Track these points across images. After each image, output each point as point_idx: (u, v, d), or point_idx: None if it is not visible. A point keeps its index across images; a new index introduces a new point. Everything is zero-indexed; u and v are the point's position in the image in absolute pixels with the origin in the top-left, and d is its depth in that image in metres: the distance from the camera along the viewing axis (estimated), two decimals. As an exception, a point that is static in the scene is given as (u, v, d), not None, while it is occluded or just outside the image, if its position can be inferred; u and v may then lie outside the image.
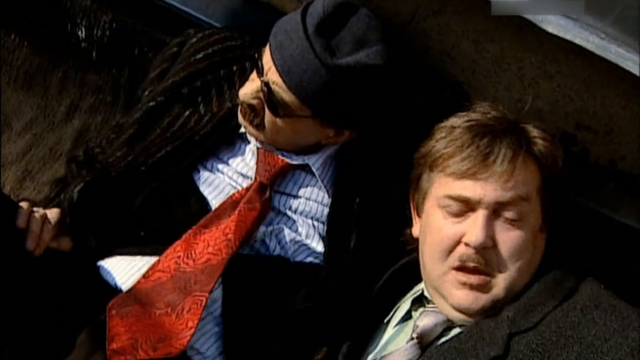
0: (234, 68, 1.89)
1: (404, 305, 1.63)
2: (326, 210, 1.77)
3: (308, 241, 1.74)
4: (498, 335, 1.43)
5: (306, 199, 1.78)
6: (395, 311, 1.65)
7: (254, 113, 1.73)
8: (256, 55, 1.73)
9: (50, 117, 2.36)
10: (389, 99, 1.75)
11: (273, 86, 1.67)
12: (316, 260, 1.74)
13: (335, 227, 1.75)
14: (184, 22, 2.09)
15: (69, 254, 1.72)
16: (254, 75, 1.74)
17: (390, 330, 1.63)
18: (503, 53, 1.79)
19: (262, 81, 1.69)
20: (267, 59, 1.69)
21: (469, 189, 1.48)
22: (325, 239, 1.73)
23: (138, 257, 1.71)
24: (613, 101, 1.75)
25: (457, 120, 1.53)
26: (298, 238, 1.73)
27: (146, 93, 1.92)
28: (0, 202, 1.63)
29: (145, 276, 1.66)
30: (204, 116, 1.84)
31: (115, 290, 1.67)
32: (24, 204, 1.65)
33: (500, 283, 1.48)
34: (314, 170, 1.78)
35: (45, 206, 1.77)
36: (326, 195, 1.78)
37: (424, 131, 1.60)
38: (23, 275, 1.61)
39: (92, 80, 2.33)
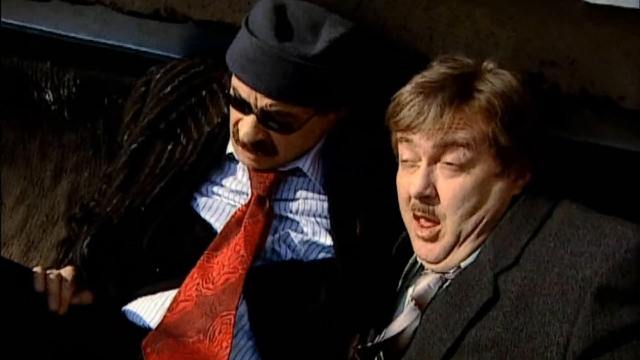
0: (203, 93, 1.93)
1: (412, 270, 1.70)
2: (326, 205, 1.81)
3: (316, 238, 1.78)
4: (484, 280, 1.50)
5: (304, 199, 1.82)
6: (406, 277, 1.71)
7: (263, 146, 1.74)
8: (232, 97, 1.74)
9: (39, 184, 2.39)
10: (365, 61, 1.78)
11: (271, 109, 1.69)
12: (328, 255, 1.77)
13: (338, 218, 1.79)
14: (145, 62, 2.12)
15: (92, 307, 1.76)
16: (238, 114, 1.74)
17: (405, 298, 1.68)
18: (454, 13, 1.83)
19: (258, 114, 1.70)
20: (247, 92, 1.70)
21: (411, 144, 1.58)
22: (332, 232, 1.77)
23: (158, 294, 1.75)
24: (568, 31, 1.80)
25: (410, 82, 1.60)
26: (306, 238, 1.77)
27: (126, 137, 1.96)
28: (15, 271, 1.66)
29: (170, 309, 1.69)
30: (187, 146, 1.88)
31: (144, 330, 1.70)
32: (37, 269, 1.69)
33: (448, 229, 1.56)
34: (305, 171, 1.82)
35: (57, 268, 1.81)
36: (322, 191, 1.82)
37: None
38: (52, 336, 1.64)
39: (71, 140, 2.37)
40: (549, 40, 1.84)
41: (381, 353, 1.62)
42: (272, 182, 1.79)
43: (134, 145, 1.89)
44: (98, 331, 1.71)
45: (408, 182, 1.59)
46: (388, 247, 1.77)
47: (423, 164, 1.57)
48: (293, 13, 1.72)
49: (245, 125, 1.72)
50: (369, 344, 1.62)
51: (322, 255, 1.77)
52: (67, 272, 1.73)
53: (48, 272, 1.70)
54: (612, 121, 1.95)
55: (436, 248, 1.58)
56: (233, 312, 1.65)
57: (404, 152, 1.61)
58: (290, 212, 1.80)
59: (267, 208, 1.76)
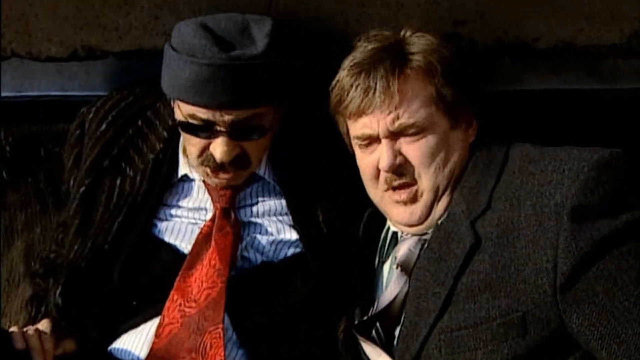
0: (139, 122, 1.95)
1: (385, 244, 1.74)
2: (284, 202, 1.84)
3: (282, 236, 1.81)
4: (462, 229, 1.58)
5: (262, 201, 1.86)
6: (381, 253, 1.75)
7: (240, 160, 1.76)
8: (189, 125, 1.74)
9: None
10: (299, 50, 1.84)
11: (241, 120, 1.71)
12: (297, 250, 1.81)
13: (298, 212, 1.83)
14: (73, 105, 2.11)
15: (77, 354, 1.75)
16: (202, 141, 1.74)
17: (385, 272, 1.73)
18: (362, -7, 1.89)
19: (227, 132, 1.71)
20: (207, 114, 1.70)
21: (366, 125, 1.62)
22: (296, 226, 1.81)
23: (141, 327, 1.75)
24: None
25: (342, 68, 1.65)
26: (272, 238, 1.80)
27: (72, 183, 1.96)
28: None
29: (157, 335, 1.71)
30: (135, 176, 1.89)
31: (136, 364, 1.71)
32: (14, 328, 1.68)
33: (426, 188, 1.63)
34: (261, 175, 1.85)
35: (33, 325, 1.79)
36: (277, 189, 1.86)
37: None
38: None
39: (14, 199, 2.33)
40: (457, 0, 1.91)
41: (378, 324, 1.65)
42: (232, 193, 1.81)
43: (83, 188, 1.89)
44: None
45: (372, 161, 1.64)
46: (354, 228, 1.80)
47: (384, 139, 1.61)
48: (217, 27, 1.74)
49: (218, 147, 1.72)
50: (365, 318, 1.65)
51: (290, 251, 1.81)
52: (44, 325, 1.72)
53: (25, 329, 1.69)
54: (530, 64, 2.04)
55: (417, 208, 1.63)
56: (221, 326, 1.68)
57: (359, 134, 1.64)
58: (252, 216, 1.83)
59: (233, 219, 1.79)
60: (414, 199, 1.64)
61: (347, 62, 1.64)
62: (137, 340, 1.74)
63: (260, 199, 1.85)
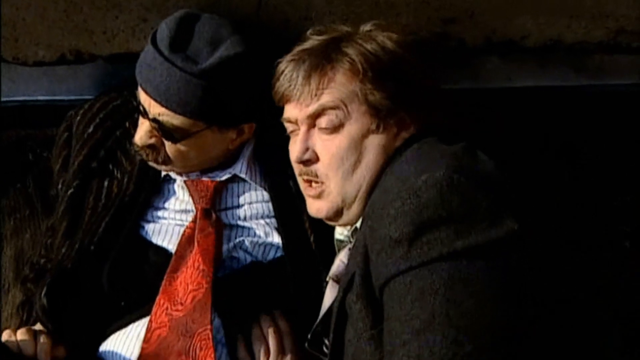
0: (127, 124, 1.95)
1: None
2: (271, 205, 1.84)
3: (270, 239, 1.81)
4: (359, 236, 1.52)
5: (249, 204, 1.85)
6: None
7: (155, 151, 1.79)
8: (134, 103, 1.78)
9: None
10: (266, 80, 1.81)
11: (160, 118, 1.73)
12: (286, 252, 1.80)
13: (284, 216, 1.82)
14: (61, 109, 2.11)
15: (67, 359, 1.75)
16: (141, 119, 1.79)
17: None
18: (349, -6, 1.89)
19: (149, 119, 1.74)
20: (143, 98, 1.75)
21: (287, 111, 1.64)
22: (280, 231, 1.80)
23: (129, 326, 1.74)
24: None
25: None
26: (260, 240, 1.80)
27: (60, 186, 1.95)
28: None
29: (146, 340, 1.70)
30: (123, 178, 1.89)
31: (125, 366, 1.70)
32: (6, 333, 1.67)
33: (333, 189, 1.59)
34: (242, 176, 1.85)
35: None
36: (264, 192, 1.85)
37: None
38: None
39: (3, 204, 2.32)
40: (446, -1, 1.92)
41: (323, 338, 1.64)
42: (212, 193, 1.81)
43: (71, 191, 1.89)
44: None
45: (291, 149, 1.65)
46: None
47: (302, 129, 1.61)
48: (200, 27, 1.74)
49: (141, 129, 1.78)
50: (309, 335, 1.64)
51: (279, 253, 1.81)
52: (38, 326, 1.72)
53: (19, 331, 1.69)
54: (518, 62, 2.05)
55: (324, 206, 1.61)
56: (209, 327, 1.67)
57: (284, 118, 1.65)
58: (239, 219, 1.83)
59: (214, 219, 1.78)
60: (320, 196, 1.62)
61: (294, 49, 1.65)
62: (127, 342, 1.73)
63: (245, 201, 1.85)
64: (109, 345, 1.76)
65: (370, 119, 1.57)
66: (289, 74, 1.60)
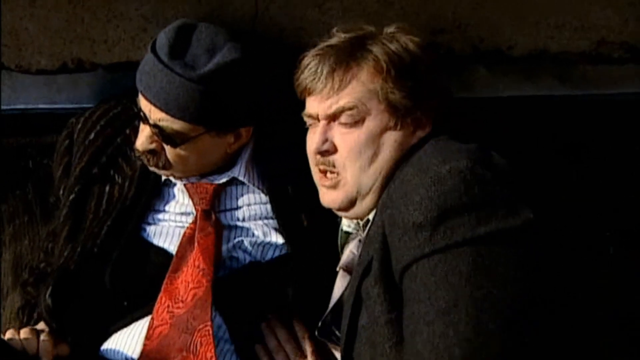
0: (127, 131, 2.00)
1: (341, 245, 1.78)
2: (269, 207, 1.90)
3: (268, 239, 1.87)
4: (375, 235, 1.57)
5: (247, 205, 1.91)
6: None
7: (156, 156, 1.85)
8: (135, 109, 1.84)
9: None
10: (261, 86, 1.88)
11: (161, 123, 1.79)
12: (284, 252, 1.86)
13: (284, 217, 1.88)
14: (60, 117, 2.15)
15: (70, 356, 1.79)
16: (142, 126, 1.86)
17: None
18: (344, 4, 1.97)
19: (150, 125, 1.80)
20: (144, 104, 1.81)
21: (309, 105, 1.68)
22: (281, 231, 1.86)
23: (132, 325, 1.80)
24: (447, -1, 1.97)
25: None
26: (259, 240, 1.86)
27: (61, 192, 2.00)
28: None
29: (148, 337, 1.75)
30: (124, 183, 1.94)
31: (127, 364, 1.75)
32: (9, 332, 1.71)
33: (349, 180, 1.64)
34: (241, 179, 1.91)
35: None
36: (262, 195, 1.91)
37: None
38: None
39: (3, 210, 2.36)
40: (434, 10, 2.00)
41: (333, 327, 1.68)
42: (212, 196, 1.87)
43: (72, 196, 1.94)
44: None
45: (311, 142, 1.69)
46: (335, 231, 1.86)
47: (322, 121, 1.66)
48: (198, 35, 1.81)
49: (142, 135, 1.84)
50: (319, 323, 1.68)
51: (277, 252, 1.86)
52: (41, 326, 1.77)
53: (21, 332, 1.73)
54: (504, 71, 2.13)
55: (339, 196, 1.66)
56: (209, 323, 1.72)
57: (305, 112, 1.70)
58: (238, 220, 1.89)
59: (214, 220, 1.84)
60: (335, 186, 1.66)
61: (317, 46, 1.69)
62: (129, 340, 1.78)
63: (244, 203, 1.91)
64: (112, 343, 1.81)
65: (389, 117, 1.63)
66: (313, 67, 1.65)
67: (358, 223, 1.71)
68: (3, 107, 2.25)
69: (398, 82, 1.63)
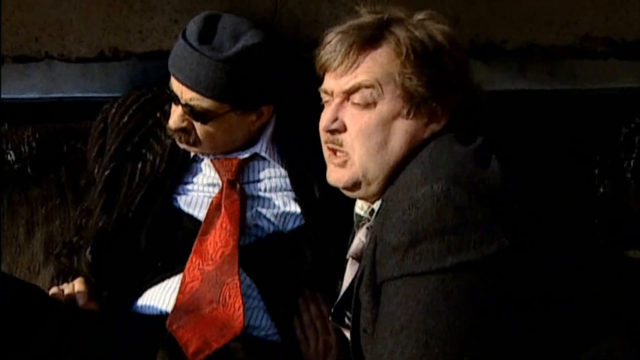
0: (158, 115, 2.20)
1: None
2: (288, 180, 2.10)
3: (288, 208, 2.06)
4: (375, 227, 1.60)
5: (268, 178, 2.12)
6: (352, 238, 1.80)
7: (187, 134, 2.04)
8: (168, 92, 2.05)
9: (14, 243, 2.52)
10: (281, 68, 2.08)
11: (191, 102, 1.99)
12: (303, 222, 2.05)
13: (300, 187, 2.08)
14: (94, 105, 2.33)
15: (103, 312, 1.97)
16: (173, 107, 2.06)
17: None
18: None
19: (182, 105, 2.01)
20: (176, 86, 2.01)
21: (326, 81, 1.68)
22: (299, 200, 2.07)
23: (165, 282, 1.98)
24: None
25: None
26: (280, 210, 2.06)
27: (96, 170, 2.19)
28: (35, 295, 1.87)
29: (180, 292, 1.93)
30: (155, 160, 2.14)
31: (163, 316, 1.93)
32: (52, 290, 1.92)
33: (356, 161, 1.62)
34: (262, 154, 2.11)
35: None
36: (282, 169, 2.12)
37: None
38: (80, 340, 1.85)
39: (37, 193, 2.52)
40: (435, 6, 2.21)
41: (345, 311, 1.73)
42: (236, 168, 2.07)
43: (107, 172, 2.13)
44: (121, 327, 1.93)
45: (322, 117, 1.69)
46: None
47: (336, 99, 1.65)
48: (222, 24, 2.03)
49: (174, 114, 2.04)
50: (332, 309, 1.76)
51: (297, 222, 2.05)
52: (78, 281, 1.97)
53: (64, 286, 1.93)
54: (500, 65, 2.34)
55: (345, 175, 1.65)
56: (237, 277, 1.90)
57: (322, 88, 1.69)
58: (260, 190, 2.09)
59: (239, 188, 2.04)
60: (343, 164, 1.65)
61: (343, 24, 1.67)
62: (163, 294, 1.97)
63: (265, 176, 2.10)
64: (146, 299, 1.99)
65: (402, 103, 1.59)
66: (334, 44, 1.62)
67: (370, 210, 1.71)
68: (41, 95, 2.45)
69: (417, 68, 1.58)
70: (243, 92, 2.00)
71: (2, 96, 2.42)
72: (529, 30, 2.26)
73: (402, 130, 1.60)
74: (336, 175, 1.68)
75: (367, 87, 1.60)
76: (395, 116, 1.60)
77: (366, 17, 1.66)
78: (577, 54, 2.33)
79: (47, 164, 2.48)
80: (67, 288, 1.96)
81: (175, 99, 2.03)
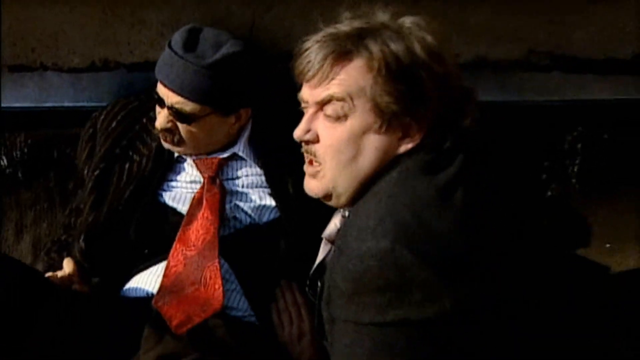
0: (144, 120, 2.40)
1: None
2: (263, 177, 2.32)
3: (264, 202, 2.27)
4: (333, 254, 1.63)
5: (245, 176, 2.33)
6: None
7: (171, 134, 2.24)
8: (155, 96, 2.26)
9: (4, 244, 2.66)
10: (258, 75, 2.28)
11: (176, 105, 2.19)
12: (277, 214, 2.26)
13: (274, 184, 2.29)
14: (83, 113, 2.50)
15: (93, 295, 2.15)
16: (159, 109, 2.25)
17: None
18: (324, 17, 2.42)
19: (167, 107, 2.21)
20: (162, 91, 2.21)
21: (303, 90, 1.67)
22: (274, 195, 2.28)
23: (151, 268, 2.17)
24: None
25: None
26: (256, 204, 2.26)
27: (86, 171, 2.38)
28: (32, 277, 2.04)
29: (165, 275, 2.11)
30: (141, 161, 2.34)
31: (149, 298, 2.12)
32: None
33: (327, 173, 1.63)
34: (240, 154, 2.32)
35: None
36: (258, 168, 2.33)
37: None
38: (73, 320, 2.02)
39: (26, 197, 2.68)
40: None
41: (318, 282, 1.77)
42: (217, 166, 2.28)
43: (97, 172, 2.32)
44: (111, 307, 2.11)
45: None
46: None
47: (310, 109, 1.65)
48: (204, 35, 2.25)
49: (160, 116, 2.23)
50: (307, 281, 1.84)
51: (272, 215, 2.26)
52: (67, 263, 2.15)
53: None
54: (485, 77, 2.55)
55: (317, 186, 1.67)
56: (217, 260, 2.09)
57: (300, 97, 1.69)
58: (238, 187, 2.29)
59: (219, 184, 2.24)
60: (315, 175, 1.66)
61: (321, 32, 1.65)
62: (149, 278, 2.15)
63: (242, 174, 2.30)
64: (133, 282, 2.17)
65: (374, 118, 1.57)
66: (309, 54, 1.61)
67: None
68: (33, 104, 2.63)
69: (388, 84, 1.55)
70: (223, 96, 2.21)
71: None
72: (480, 46, 2.49)
73: (372, 146, 1.58)
74: (309, 186, 1.69)
75: (338, 99, 1.58)
76: (366, 131, 1.58)
77: (344, 25, 1.62)
78: (523, 67, 2.57)
79: (37, 168, 2.64)
80: (60, 273, 2.13)
81: (161, 102, 2.24)
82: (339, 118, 1.59)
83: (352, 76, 1.58)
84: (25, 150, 2.61)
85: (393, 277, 1.40)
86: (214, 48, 2.21)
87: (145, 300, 2.11)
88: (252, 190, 2.29)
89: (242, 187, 2.29)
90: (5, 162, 2.63)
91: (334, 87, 1.59)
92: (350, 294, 1.44)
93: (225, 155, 2.31)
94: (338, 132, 1.59)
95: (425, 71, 1.55)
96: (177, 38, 2.22)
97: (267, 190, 2.29)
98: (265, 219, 2.25)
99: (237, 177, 2.31)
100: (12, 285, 1.90)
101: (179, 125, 2.23)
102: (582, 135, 2.66)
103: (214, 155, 2.32)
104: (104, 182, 2.31)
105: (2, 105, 2.59)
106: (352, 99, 1.57)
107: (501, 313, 1.46)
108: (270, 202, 2.26)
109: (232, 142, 2.33)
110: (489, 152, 1.69)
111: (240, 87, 2.23)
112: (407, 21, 1.60)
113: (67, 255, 2.23)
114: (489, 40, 2.51)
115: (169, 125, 2.23)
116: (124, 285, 2.18)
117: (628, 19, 2.50)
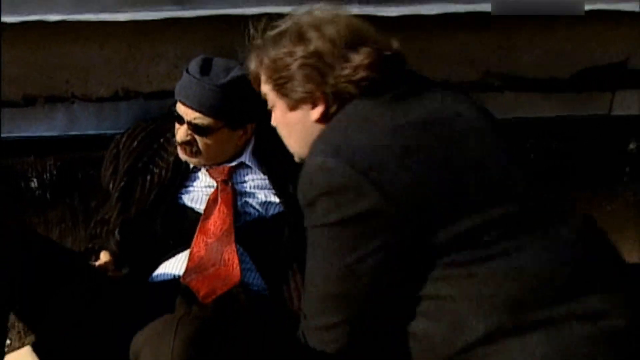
0: (161, 140, 2.80)
1: None
2: (267, 181, 2.72)
3: (269, 199, 2.66)
4: None
5: (252, 180, 2.73)
6: None
7: (190, 146, 2.63)
8: (175, 114, 2.68)
9: None
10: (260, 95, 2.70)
11: (195, 120, 2.60)
12: (281, 209, 2.65)
13: (277, 185, 2.69)
14: (105, 139, 2.87)
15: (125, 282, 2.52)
16: (178, 126, 2.64)
17: None
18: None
19: (187, 122, 2.62)
20: (182, 109, 2.61)
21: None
22: (278, 195, 2.70)
23: (176, 256, 2.55)
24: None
25: None
26: (263, 200, 2.65)
27: (111, 186, 2.76)
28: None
29: (190, 259, 2.48)
30: (161, 172, 2.73)
31: (176, 279, 2.49)
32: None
33: (292, 149, 1.98)
34: (247, 163, 2.74)
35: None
36: (262, 174, 2.73)
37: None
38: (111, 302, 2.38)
39: (53, 216, 3.00)
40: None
41: None
42: (228, 172, 2.69)
43: (122, 184, 2.70)
44: (144, 288, 2.49)
45: None
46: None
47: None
48: (216, 62, 2.69)
49: (180, 131, 2.62)
50: None
51: (277, 210, 2.66)
52: (104, 254, 2.52)
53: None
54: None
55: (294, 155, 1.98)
56: (234, 244, 2.47)
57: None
58: (246, 188, 2.69)
59: (230, 185, 2.65)
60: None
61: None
62: (175, 263, 2.52)
63: (249, 179, 2.71)
64: (162, 269, 2.54)
65: (284, 101, 1.88)
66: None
67: None
68: (64, 133, 2.99)
69: (271, 82, 1.91)
70: (233, 112, 2.63)
71: (29, 136, 2.97)
72: (443, 70, 2.92)
73: (294, 122, 1.88)
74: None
75: (264, 96, 1.95)
76: (284, 113, 1.89)
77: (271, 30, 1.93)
78: (481, 88, 3.00)
79: (63, 189, 2.99)
80: (97, 262, 2.50)
81: (180, 120, 2.66)
82: (272, 108, 1.98)
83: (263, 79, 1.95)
84: (55, 172, 2.95)
85: (329, 183, 1.65)
86: (225, 72, 2.65)
87: (173, 281, 2.48)
88: (259, 190, 2.70)
89: (250, 188, 2.70)
90: (35, 184, 2.97)
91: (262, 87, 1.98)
92: (304, 206, 1.71)
93: (234, 163, 2.73)
94: (274, 119, 1.97)
95: (293, 61, 1.83)
96: (194, 64, 2.67)
97: (272, 191, 2.69)
98: (271, 212, 2.65)
99: (245, 182, 2.73)
100: (41, 258, 2.22)
101: (197, 137, 2.63)
102: (534, 147, 3.02)
103: (224, 164, 2.73)
104: (128, 192, 2.69)
105: (35, 134, 2.96)
106: (266, 93, 1.96)
107: (436, 208, 1.64)
108: (274, 199, 2.67)
109: (239, 153, 2.75)
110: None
111: (246, 105, 2.65)
112: (308, 17, 1.88)
113: (107, 243, 2.59)
114: (451, 65, 2.91)
115: (188, 138, 2.64)
116: (152, 272, 2.55)
117: (565, 42, 3.00)
